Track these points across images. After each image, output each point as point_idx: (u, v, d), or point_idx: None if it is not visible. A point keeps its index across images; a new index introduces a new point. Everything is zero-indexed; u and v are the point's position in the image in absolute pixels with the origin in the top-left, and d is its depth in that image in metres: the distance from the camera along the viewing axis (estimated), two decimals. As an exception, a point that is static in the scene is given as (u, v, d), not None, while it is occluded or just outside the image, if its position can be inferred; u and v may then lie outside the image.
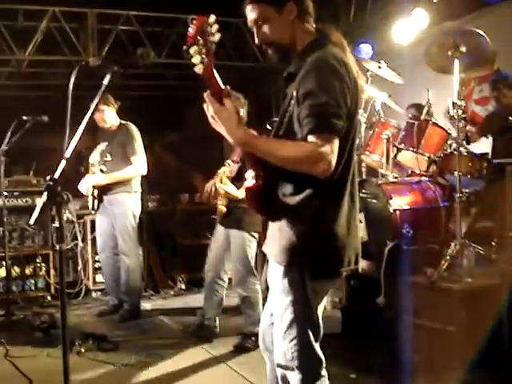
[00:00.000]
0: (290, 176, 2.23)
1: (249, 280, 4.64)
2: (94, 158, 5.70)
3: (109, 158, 5.50)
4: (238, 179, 4.52)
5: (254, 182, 2.36)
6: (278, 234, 2.31)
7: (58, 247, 2.29)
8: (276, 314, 2.36)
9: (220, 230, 4.79)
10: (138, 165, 5.66)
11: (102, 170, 5.60)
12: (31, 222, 2.30)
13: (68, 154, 2.33)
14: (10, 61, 8.13)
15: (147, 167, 5.74)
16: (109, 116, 5.68)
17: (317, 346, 2.33)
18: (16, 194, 6.58)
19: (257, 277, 4.69)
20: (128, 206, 5.71)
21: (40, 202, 2.24)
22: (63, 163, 2.32)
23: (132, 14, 7.90)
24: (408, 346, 3.79)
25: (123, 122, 5.81)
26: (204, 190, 4.76)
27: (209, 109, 2.21)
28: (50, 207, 2.26)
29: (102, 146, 5.70)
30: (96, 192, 5.64)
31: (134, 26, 7.96)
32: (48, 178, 2.24)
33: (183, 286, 7.13)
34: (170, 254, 7.28)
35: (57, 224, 2.27)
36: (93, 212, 5.88)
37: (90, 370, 4.27)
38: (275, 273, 2.34)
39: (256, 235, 4.64)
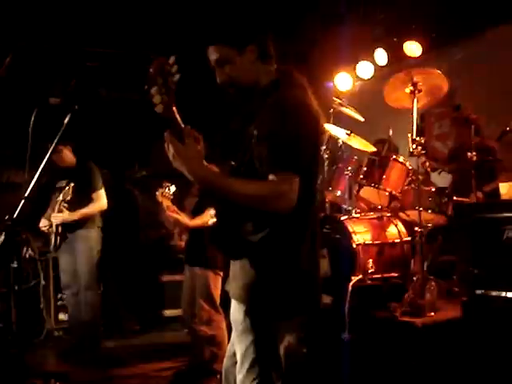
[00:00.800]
0: (250, 214, 2.23)
1: (214, 318, 4.58)
2: (56, 196, 5.66)
3: (69, 197, 5.47)
4: (196, 212, 4.52)
5: (215, 220, 2.37)
6: (240, 273, 2.31)
7: (16, 287, 2.26)
8: (238, 353, 2.34)
9: (186, 268, 4.75)
10: (100, 200, 5.69)
11: (65, 208, 5.57)
12: (-11, 262, 2.26)
13: (27, 193, 2.31)
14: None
15: (107, 203, 5.75)
16: (66, 156, 5.71)
17: (279, 385, 2.32)
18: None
19: (222, 314, 4.64)
20: (90, 241, 5.71)
21: (-2, 242, 2.21)
22: (22, 202, 2.30)
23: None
24: (372, 381, 3.80)
25: (81, 159, 5.83)
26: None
27: (169, 148, 2.21)
28: (5, 247, 2.24)
29: (62, 183, 5.67)
30: (60, 229, 5.58)
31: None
32: (6, 217, 2.22)
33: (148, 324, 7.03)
34: (134, 291, 7.18)
35: (15, 264, 2.24)
36: (54, 250, 5.80)
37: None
38: (237, 312, 2.32)
39: (221, 272, 4.61)
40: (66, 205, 5.54)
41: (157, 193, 4.45)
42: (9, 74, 7.50)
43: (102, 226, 5.82)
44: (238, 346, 2.35)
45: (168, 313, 7.05)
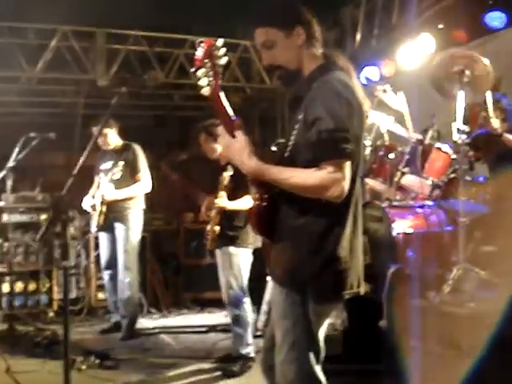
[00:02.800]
0: (294, 198, 2.25)
1: (241, 298, 4.62)
2: (100, 178, 5.78)
3: (116, 176, 5.57)
4: (231, 196, 4.54)
5: (258, 203, 2.39)
6: (281, 256, 2.33)
7: (62, 264, 2.32)
8: (278, 335, 2.37)
9: (217, 253, 4.78)
10: (144, 182, 5.78)
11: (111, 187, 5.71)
12: (37, 238, 2.32)
13: (75, 171, 2.36)
14: (19, 77, 8.22)
15: (151, 185, 5.85)
16: (112, 138, 5.81)
17: (318, 368, 2.34)
18: (21, 210, 6.61)
19: (248, 296, 4.67)
20: (132, 222, 5.80)
21: (46, 219, 2.27)
22: (70, 181, 2.35)
23: (141, 35, 8.00)
24: (409, 370, 3.78)
25: (126, 142, 5.93)
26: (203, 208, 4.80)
27: (221, 141, 2.26)
28: (55, 224, 2.29)
29: (108, 165, 5.76)
30: (104, 208, 5.69)
31: (143, 46, 8.05)
32: (55, 195, 2.28)
33: (186, 306, 7.13)
34: (173, 273, 7.29)
35: (62, 241, 2.30)
36: (96, 229, 5.92)
37: (90, 387, 4.29)
38: (277, 295, 2.36)
39: (251, 254, 4.64)
40: (112, 184, 5.66)
41: (224, 174, 4.46)
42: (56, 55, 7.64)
43: (142, 207, 5.92)
44: (277, 329, 2.38)
45: (207, 295, 7.14)
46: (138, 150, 5.85)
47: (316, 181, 2.17)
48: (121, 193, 5.68)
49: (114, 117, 5.71)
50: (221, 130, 2.27)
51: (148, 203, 6.01)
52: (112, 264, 5.88)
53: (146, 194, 5.92)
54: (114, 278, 5.90)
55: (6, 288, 6.38)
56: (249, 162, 2.25)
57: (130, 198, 5.76)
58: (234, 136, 2.25)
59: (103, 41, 7.87)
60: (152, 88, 7.69)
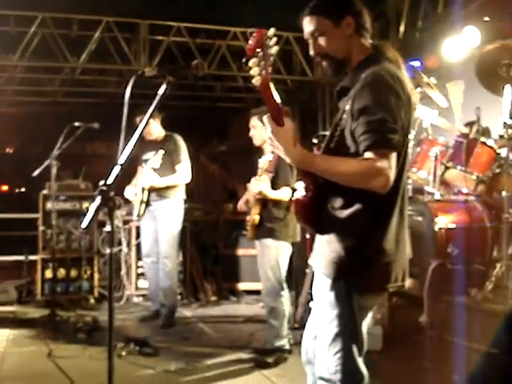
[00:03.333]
0: (340, 189, 2.23)
1: (278, 291, 4.60)
2: (142, 167, 5.85)
3: (156, 165, 5.62)
4: (274, 183, 4.50)
5: (303, 194, 2.38)
6: (326, 247, 2.32)
7: (108, 251, 2.35)
8: (320, 326, 2.37)
9: (256, 244, 4.78)
10: (183, 173, 5.82)
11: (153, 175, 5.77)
12: (83, 225, 2.36)
13: (122, 160, 2.38)
14: (63, 68, 8.36)
15: (191, 176, 5.88)
16: (154, 128, 5.85)
17: (360, 360, 2.33)
18: (64, 197, 6.74)
19: (286, 289, 4.67)
20: (173, 212, 5.86)
21: (93, 206, 2.30)
22: (117, 169, 2.37)
23: (183, 26, 8.04)
24: (449, 366, 3.74)
25: (168, 132, 5.97)
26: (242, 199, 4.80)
27: (267, 129, 2.25)
28: (99, 212, 2.32)
29: (150, 155, 5.82)
30: (145, 197, 5.76)
31: (185, 38, 8.10)
32: (102, 182, 2.30)
33: (224, 296, 7.17)
34: (212, 264, 7.34)
35: (108, 228, 2.33)
36: (137, 218, 6.00)
37: (130, 373, 4.34)
38: (321, 285, 2.35)
39: (290, 247, 4.64)
40: (154, 172, 5.72)
41: (260, 161, 4.45)
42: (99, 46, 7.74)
43: (183, 198, 5.96)
44: (320, 320, 2.37)
45: (245, 286, 7.20)
46: (180, 140, 5.89)
47: (361, 170, 2.15)
48: (160, 181, 5.73)
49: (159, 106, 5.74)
50: (267, 118, 2.25)
51: (188, 193, 6.04)
52: (152, 252, 5.96)
53: (187, 185, 5.96)
54: (154, 266, 5.97)
55: (48, 274, 6.54)
56: (295, 151, 2.24)
57: (171, 188, 5.81)
58: (281, 125, 2.24)
59: (146, 32, 7.95)
60: (194, 79, 7.72)
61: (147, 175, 5.71)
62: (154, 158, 5.62)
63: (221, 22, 7.99)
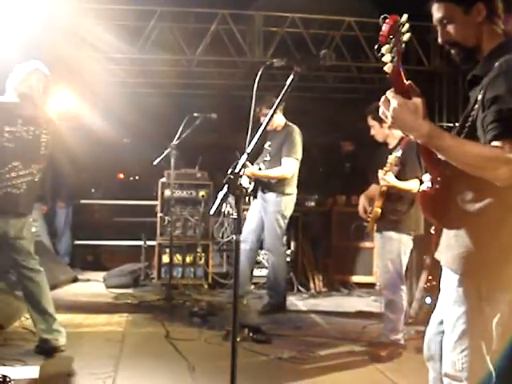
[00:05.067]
0: (470, 182, 2.16)
1: (397, 284, 4.53)
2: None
3: (268, 158, 5.68)
4: (401, 176, 4.43)
5: (430, 186, 2.33)
6: (454, 241, 2.25)
7: (234, 238, 2.42)
8: (447, 322, 2.31)
9: (376, 236, 4.74)
10: (285, 167, 5.78)
11: (259, 169, 5.87)
12: (211, 212, 2.44)
13: (249, 149, 2.43)
14: (180, 60, 8.62)
15: (298, 168, 5.87)
16: (275, 118, 5.83)
17: (488, 359, 2.25)
18: (182, 186, 6.95)
19: (405, 283, 4.59)
20: (280, 206, 5.87)
21: (220, 194, 2.37)
22: (244, 158, 2.43)
23: (297, 17, 8.05)
24: None
25: (289, 123, 5.95)
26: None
27: (390, 104, 2.19)
28: (226, 200, 2.38)
29: (266, 145, 5.88)
30: (251, 187, 5.85)
31: (299, 28, 8.11)
32: (229, 171, 2.37)
33: (335, 287, 7.15)
34: (324, 255, 7.32)
35: (235, 215, 2.40)
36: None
37: (244, 358, 4.40)
38: (449, 281, 2.29)
39: (411, 240, 4.55)
40: (262, 166, 5.78)
41: (390, 157, 4.41)
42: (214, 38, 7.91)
43: (293, 192, 5.93)
44: (447, 316, 2.31)
45: (357, 278, 7.16)
46: (295, 133, 5.86)
47: (490, 156, 2.05)
48: (260, 172, 5.80)
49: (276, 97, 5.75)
50: (392, 93, 2.17)
51: (301, 183, 6.04)
52: (247, 239, 6.01)
53: (299, 175, 5.94)
54: (245, 252, 5.97)
55: (165, 259, 6.79)
56: (424, 123, 2.15)
57: (278, 181, 5.81)
58: (409, 98, 2.16)
59: (261, 23, 8.03)
60: (322, 69, 7.72)
61: (254, 166, 5.78)
62: (269, 149, 5.69)
63: (334, 12, 7.94)
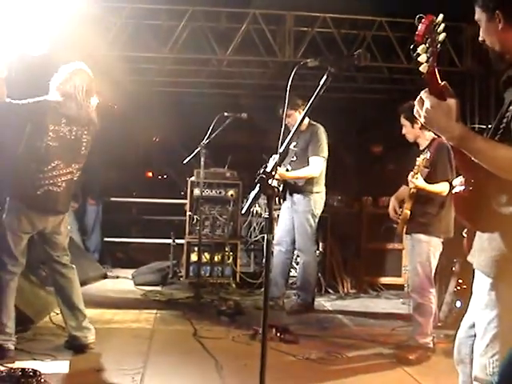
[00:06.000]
0: (505, 185, 2.13)
1: (426, 287, 4.50)
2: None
3: (294, 158, 5.70)
4: (430, 178, 4.40)
5: (463, 188, 2.31)
6: (487, 245, 2.23)
7: (266, 237, 2.42)
8: (479, 326, 2.28)
9: (406, 239, 4.70)
10: (312, 166, 5.80)
11: (287, 170, 5.88)
12: (243, 211, 2.45)
13: (281, 149, 2.44)
14: (210, 60, 8.64)
15: (325, 167, 5.89)
16: (297, 119, 5.81)
17: (520, 363, 2.22)
18: (211, 185, 6.98)
19: (434, 286, 4.55)
20: (309, 205, 5.88)
21: (252, 193, 2.37)
22: (276, 158, 2.44)
23: (328, 17, 8.02)
24: None
25: (313, 122, 5.94)
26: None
27: (424, 104, 2.17)
28: (258, 199, 2.39)
29: (291, 146, 5.88)
30: (281, 187, 5.86)
31: (330, 28, 8.07)
32: (261, 171, 2.37)
33: (363, 289, 7.12)
34: (353, 256, 7.29)
35: (266, 215, 2.40)
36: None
37: (272, 358, 4.38)
38: (481, 284, 2.27)
39: (441, 243, 4.50)
40: (289, 167, 5.79)
41: (418, 159, 4.38)
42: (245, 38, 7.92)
43: (321, 190, 5.94)
44: (479, 319, 2.29)
45: (386, 280, 7.12)
46: (320, 132, 5.88)
47: None
48: (288, 173, 5.81)
49: (300, 97, 5.73)
50: (426, 93, 2.15)
51: (329, 184, 6.03)
52: (282, 241, 6.04)
53: (327, 175, 5.95)
54: (280, 254, 6.03)
55: (194, 257, 6.83)
56: (457, 125, 2.13)
57: (306, 181, 5.83)
58: (443, 99, 2.15)
59: (291, 23, 8.02)
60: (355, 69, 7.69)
61: (281, 167, 5.78)
62: (294, 150, 5.69)
63: (366, 11, 7.89)
